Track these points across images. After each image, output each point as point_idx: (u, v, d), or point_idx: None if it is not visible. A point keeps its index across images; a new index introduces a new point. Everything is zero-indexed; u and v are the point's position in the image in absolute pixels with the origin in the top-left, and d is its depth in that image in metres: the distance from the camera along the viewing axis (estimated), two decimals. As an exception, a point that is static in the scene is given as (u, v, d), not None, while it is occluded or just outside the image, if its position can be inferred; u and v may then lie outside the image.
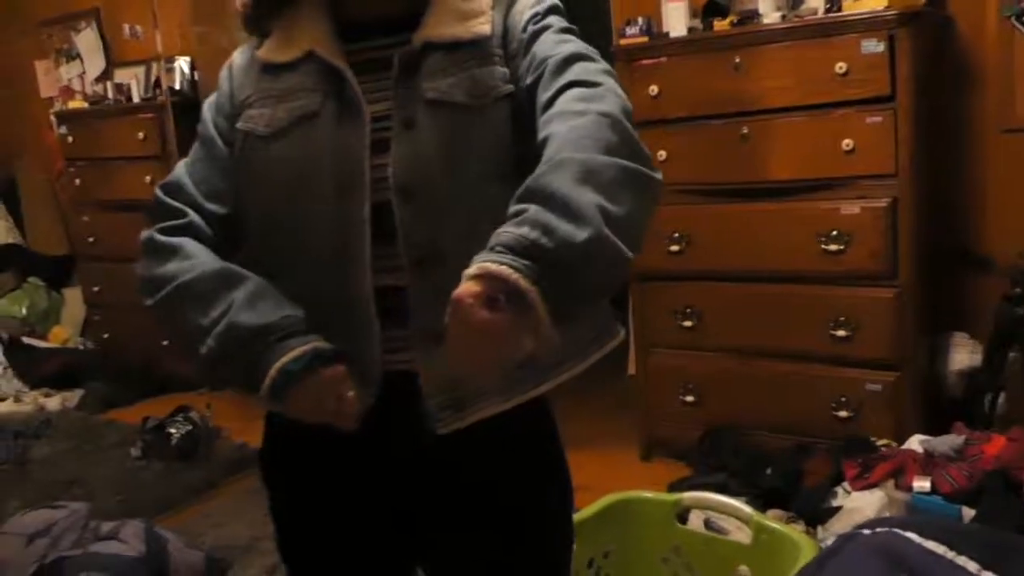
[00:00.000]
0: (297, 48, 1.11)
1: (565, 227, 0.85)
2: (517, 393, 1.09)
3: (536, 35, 1.08)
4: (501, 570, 1.17)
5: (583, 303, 0.91)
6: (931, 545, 1.20)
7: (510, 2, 1.12)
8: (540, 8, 1.11)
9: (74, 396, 4.52)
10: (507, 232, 0.87)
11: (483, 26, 1.09)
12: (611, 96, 0.99)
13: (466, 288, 0.84)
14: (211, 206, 1.14)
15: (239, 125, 1.12)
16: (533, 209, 0.87)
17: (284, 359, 0.99)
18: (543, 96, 1.02)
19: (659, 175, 0.97)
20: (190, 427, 3.64)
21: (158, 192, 1.15)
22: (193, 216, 1.12)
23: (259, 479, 1.23)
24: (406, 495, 1.14)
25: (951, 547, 1.19)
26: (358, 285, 1.05)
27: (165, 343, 4.59)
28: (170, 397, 4.22)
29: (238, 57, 1.19)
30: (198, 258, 1.07)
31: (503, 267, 0.84)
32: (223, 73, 1.19)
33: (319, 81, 1.09)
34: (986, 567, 1.17)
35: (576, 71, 1.02)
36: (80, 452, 3.76)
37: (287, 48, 1.12)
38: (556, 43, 1.06)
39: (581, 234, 0.85)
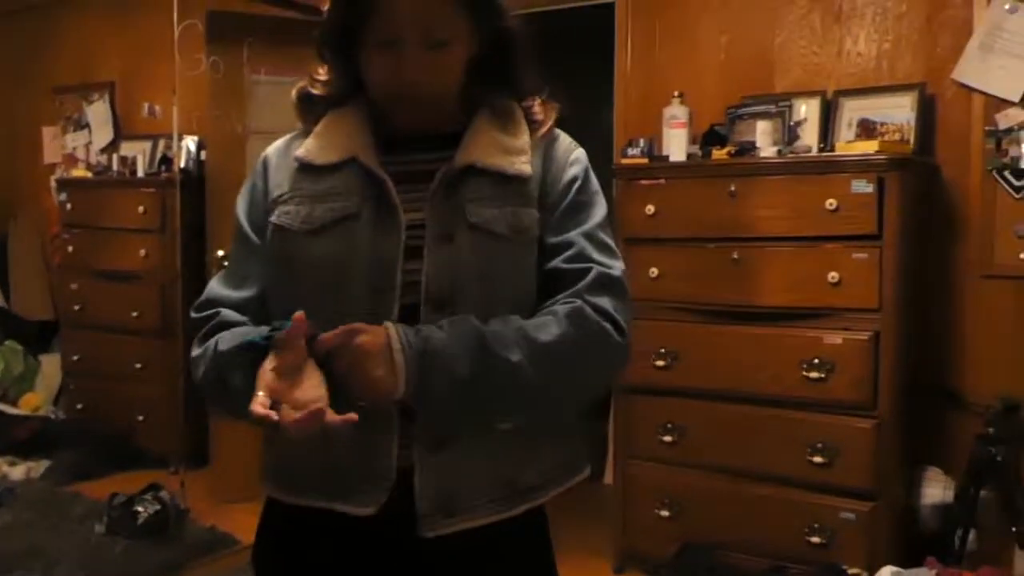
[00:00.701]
0: (339, 152, 1.17)
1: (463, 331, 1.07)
2: (505, 508, 1.15)
3: (574, 208, 1.19)
4: None
5: (450, 388, 1.05)
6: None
7: (547, 149, 1.20)
8: (579, 172, 1.21)
9: (40, 466, 4.43)
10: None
11: (525, 166, 1.17)
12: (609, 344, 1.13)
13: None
14: (240, 293, 1.20)
15: (273, 219, 1.17)
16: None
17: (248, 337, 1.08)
18: (566, 284, 1.15)
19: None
20: (159, 506, 3.58)
21: (192, 314, 1.22)
22: (223, 311, 1.19)
23: (235, 564, 1.26)
24: None
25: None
26: None
27: (140, 417, 4.56)
28: (140, 472, 4.16)
29: (273, 154, 1.24)
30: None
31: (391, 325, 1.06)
32: (257, 168, 1.24)
33: (359, 186, 1.14)
34: None
35: (597, 299, 1.13)
36: (42, 523, 3.67)
37: (328, 151, 1.17)
38: (594, 245, 1.17)
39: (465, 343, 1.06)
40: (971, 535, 2.86)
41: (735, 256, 2.91)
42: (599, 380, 1.19)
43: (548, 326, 1.10)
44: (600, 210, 1.21)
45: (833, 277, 2.75)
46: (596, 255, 1.16)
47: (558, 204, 1.18)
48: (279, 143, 1.25)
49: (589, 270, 1.14)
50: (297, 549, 1.19)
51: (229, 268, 1.23)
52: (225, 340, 1.12)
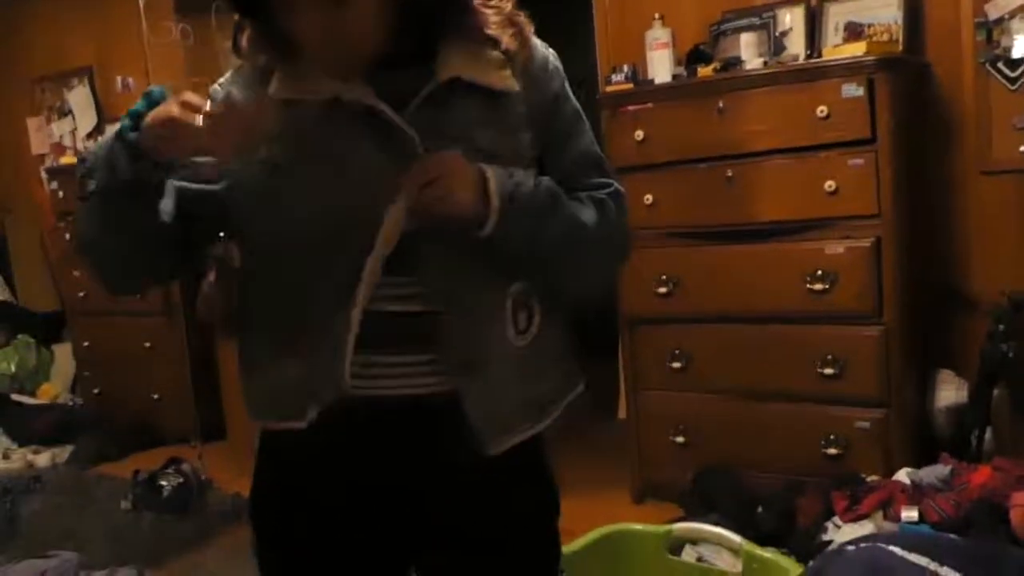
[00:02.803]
0: (317, 89, 1.10)
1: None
2: (538, 420, 1.19)
3: (566, 126, 1.21)
4: None
5: (531, 232, 1.10)
6: (914, 557, 1.22)
7: (524, 64, 1.16)
8: (561, 83, 1.20)
9: (64, 452, 4.49)
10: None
11: (511, 80, 1.14)
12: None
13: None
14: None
15: (262, 157, 1.10)
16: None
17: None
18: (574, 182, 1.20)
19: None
20: (181, 479, 3.62)
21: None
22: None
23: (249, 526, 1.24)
24: (404, 517, 1.16)
25: (933, 559, 1.21)
26: (339, 302, 1.08)
27: (156, 396, 4.60)
28: (161, 450, 4.20)
29: (236, 95, 1.16)
30: None
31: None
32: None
33: (352, 117, 1.09)
34: (968, 577, 1.19)
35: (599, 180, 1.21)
36: (70, 506, 3.73)
37: (303, 87, 1.11)
38: (596, 164, 1.23)
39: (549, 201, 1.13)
40: (987, 434, 2.85)
41: (729, 175, 2.87)
42: (612, 269, 1.32)
43: (582, 207, 1.16)
44: (583, 118, 1.24)
45: (830, 186, 2.71)
46: (604, 177, 1.22)
47: (550, 122, 1.17)
48: (230, 84, 1.18)
49: (608, 185, 1.21)
50: (294, 495, 1.18)
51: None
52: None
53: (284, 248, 1.11)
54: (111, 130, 1.10)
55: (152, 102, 1.05)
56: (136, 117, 1.05)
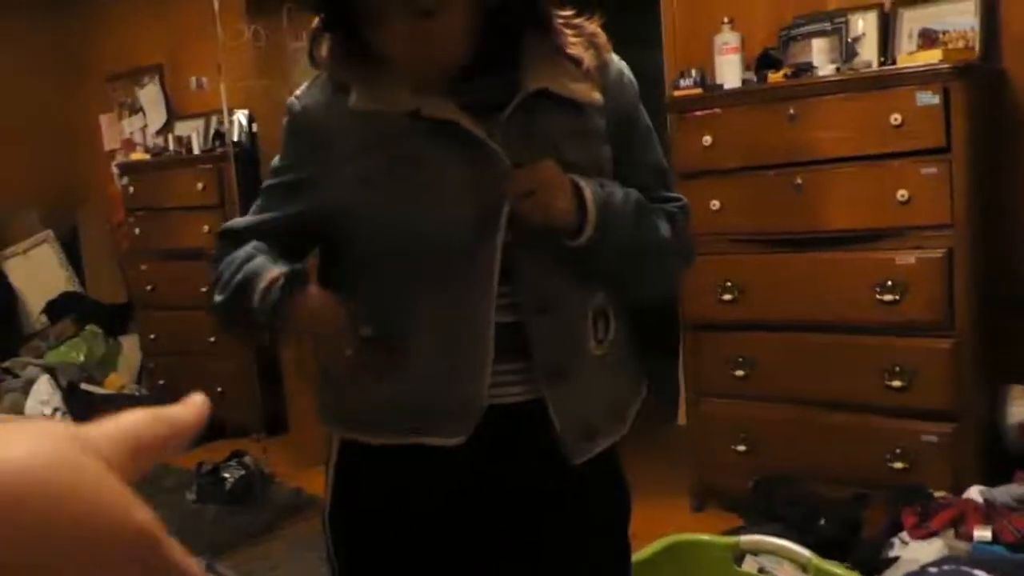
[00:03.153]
0: (397, 101, 1.10)
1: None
2: (620, 427, 1.22)
3: (642, 140, 1.25)
4: None
5: (618, 242, 1.13)
6: (1003, 584, 1.20)
7: (602, 73, 1.17)
8: (635, 95, 1.23)
9: (129, 441, 4.60)
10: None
11: (596, 94, 1.15)
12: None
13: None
14: (257, 217, 1.21)
15: (350, 170, 1.12)
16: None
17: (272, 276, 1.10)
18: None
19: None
20: (243, 472, 3.70)
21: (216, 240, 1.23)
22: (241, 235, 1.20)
23: (320, 524, 1.25)
24: (489, 527, 1.17)
25: (1024, 586, 1.19)
26: (485, 317, 1.11)
27: (219, 389, 4.69)
28: (225, 442, 4.28)
29: (317, 108, 1.16)
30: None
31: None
32: (297, 123, 1.18)
33: (434, 131, 1.09)
34: (1060, 606, 1.17)
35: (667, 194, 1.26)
36: (138, 496, 3.81)
37: (384, 98, 1.11)
38: (665, 178, 1.28)
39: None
40: (1061, 450, 2.79)
41: (798, 181, 2.84)
42: (679, 278, 1.41)
43: (659, 216, 1.19)
44: (653, 132, 1.27)
45: (902, 195, 2.66)
46: (667, 191, 1.25)
47: (625, 135, 1.19)
48: (308, 95, 1.18)
49: (678, 199, 1.25)
50: (383, 497, 1.19)
51: (260, 218, 1.22)
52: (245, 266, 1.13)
53: (379, 261, 1.13)
54: (254, 275, 1.13)
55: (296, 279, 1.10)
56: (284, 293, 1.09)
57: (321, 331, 1.11)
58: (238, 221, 1.24)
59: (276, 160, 1.22)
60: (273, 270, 1.10)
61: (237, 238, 1.20)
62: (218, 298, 1.15)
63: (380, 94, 1.11)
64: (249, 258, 1.14)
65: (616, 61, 1.21)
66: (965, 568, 1.22)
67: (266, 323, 1.10)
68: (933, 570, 1.27)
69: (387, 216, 1.11)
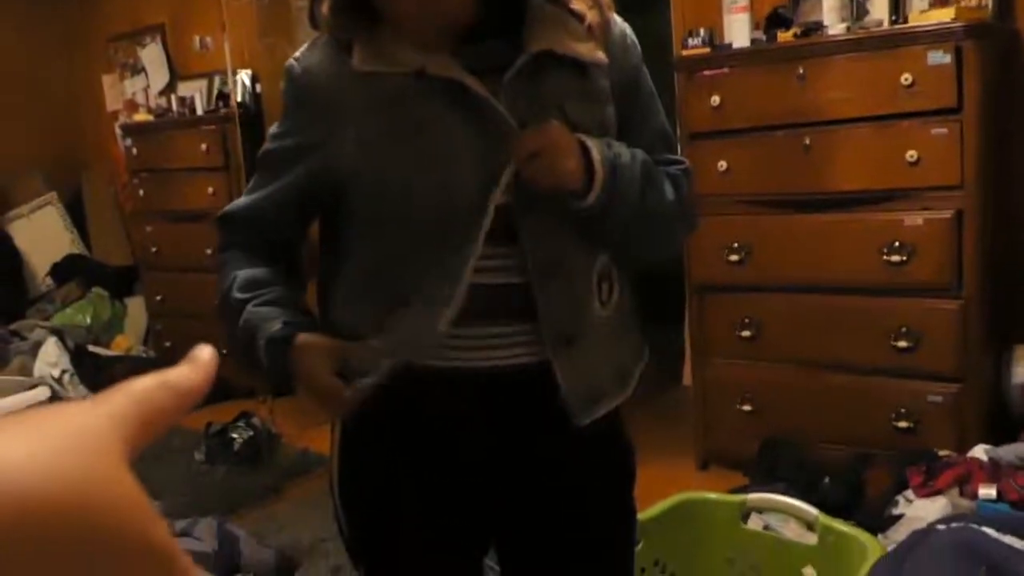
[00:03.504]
0: (402, 61, 1.09)
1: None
2: (624, 389, 1.22)
3: (646, 102, 1.23)
4: (576, 552, 1.23)
5: (627, 203, 1.12)
6: (1008, 540, 1.21)
7: (605, 35, 1.16)
8: (639, 56, 1.22)
9: (138, 402, 4.62)
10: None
11: (599, 53, 1.14)
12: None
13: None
14: (256, 196, 1.20)
15: (352, 133, 1.10)
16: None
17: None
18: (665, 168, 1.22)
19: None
20: (252, 432, 3.72)
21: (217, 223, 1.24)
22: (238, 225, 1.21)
23: (326, 484, 1.26)
24: (491, 486, 1.18)
25: (1032, 542, 1.21)
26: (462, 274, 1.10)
27: (225, 351, 4.70)
28: (232, 403, 4.30)
29: (318, 70, 1.14)
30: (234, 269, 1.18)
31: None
32: (299, 85, 1.15)
33: (439, 91, 1.08)
34: (1068, 563, 1.18)
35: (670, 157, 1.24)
36: (145, 456, 3.60)
37: (388, 59, 1.09)
38: (668, 142, 1.27)
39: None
40: (1066, 411, 2.80)
41: (806, 142, 2.82)
42: (682, 241, 1.37)
43: (666, 180, 1.19)
44: (656, 95, 1.25)
45: (911, 156, 2.65)
46: (670, 154, 1.24)
47: (630, 97, 1.18)
48: (309, 56, 1.16)
49: (681, 162, 1.24)
50: (391, 459, 1.19)
51: (260, 199, 1.20)
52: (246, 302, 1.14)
53: (384, 223, 1.13)
54: (254, 321, 1.13)
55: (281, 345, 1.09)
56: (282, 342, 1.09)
57: (316, 394, 1.09)
58: (237, 205, 1.22)
59: (275, 126, 1.21)
60: (272, 324, 1.10)
61: (237, 225, 1.20)
62: (226, 321, 1.16)
63: (383, 54, 1.10)
64: (251, 287, 1.15)
65: (619, 22, 1.20)
66: (973, 525, 1.23)
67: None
68: (942, 527, 1.28)
69: (391, 179, 1.10)
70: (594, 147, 1.09)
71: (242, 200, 1.22)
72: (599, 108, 1.14)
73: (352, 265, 1.17)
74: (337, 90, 1.12)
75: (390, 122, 1.10)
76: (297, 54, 1.18)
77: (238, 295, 1.14)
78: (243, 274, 1.16)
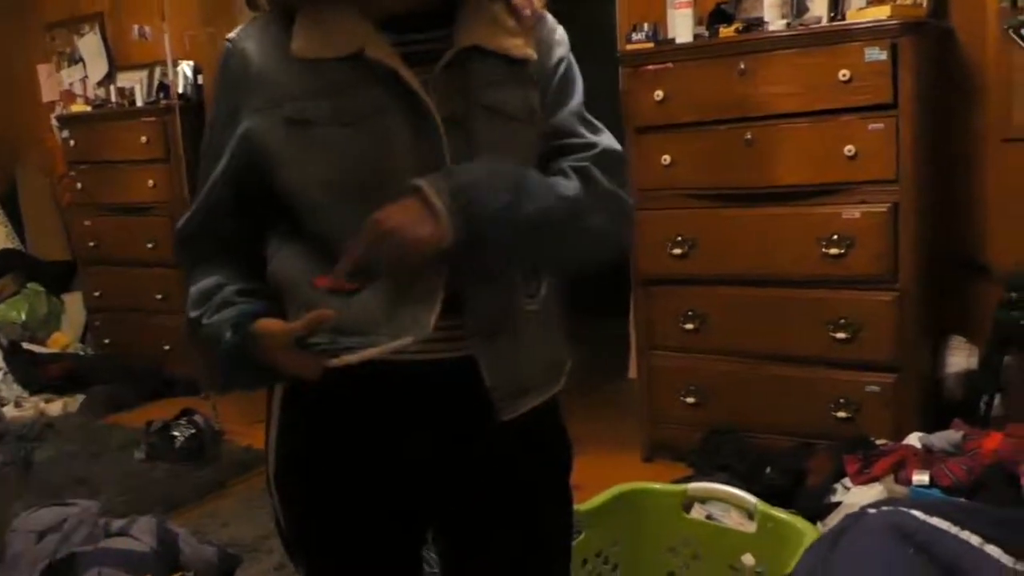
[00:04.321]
0: (341, 44, 1.08)
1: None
2: (554, 383, 1.22)
3: (563, 88, 1.19)
4: (512, 542, 1.22)
5: (497, 229, 1.05)
6: (936, 521, 1.24)
7: (536, 28, 1.17)
8: (565, 51, 1.20)
9: (75, 401, 4.52)
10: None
11: (529, 49, 1.15)
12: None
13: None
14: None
15: (289, 114, 1.09)
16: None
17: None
18: (569, 158, 1.17)
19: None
20: (194, 430, 3.66)
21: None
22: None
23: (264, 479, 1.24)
24: (426, 478, 1.18)
25: (955, 523, 1.24)
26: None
27: (167, 347, 4.63)
28: (174, 400, 4.24)
29: (253, 50, 1.12)
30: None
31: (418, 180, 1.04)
32: (232, 65, 1.13)
33: (372, 76, 1.08)
34: (988, 541, 1.22)
35: (604, 171, 1.16)
36: (84, 455, 3.76)
37: (327, 42, 1.09)
38: (585, 124, 1.20)
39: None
40: (996, 400, 2.88)
41: (748, 136, 2.86)
42: (611, 238, 1.19)
43: (562, 181, 1.12)
44: (581, 86, 1.22)
45: (849, 150, 2.70)
46: (591, 135, 1.19)
47: (549, 85, 1.18)
48: (246, 38, 1.14)
49: (594, 145, 1.17)
50: (318, 454, 1.18)
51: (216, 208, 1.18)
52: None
53: (310, 205, 1.11)
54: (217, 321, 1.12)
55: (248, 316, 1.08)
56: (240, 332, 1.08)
57: (285, 366, 1.07)
58: (184, 220, 1.21)
59: (211, 113, 1.19)
60: (224, 333, 1.10)
61: (189, 243, 1.20)
62: (193, 346, 1.16)
63: (322, 34, 1.09)
64: (201, 301, 1.14)
65: (550, 19, 1.21)
66: (903, 508, 1.26)
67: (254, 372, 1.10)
68: (872, 511, 1.31)
69: (324, 163, 1.09)
70: (425, 186, 1.03)
71: (192, 214, 1.21)
72: (523, 94, 1.14)
73: (280, 256, 1.16)
74: (274, 71, 1.11)
75: (326, 106, 1.08)
76: (233, 33, 1.17)
77: (192, 315, 1.14)
78: (193, 291, 1.16)
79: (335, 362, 1.04)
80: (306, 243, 1.13)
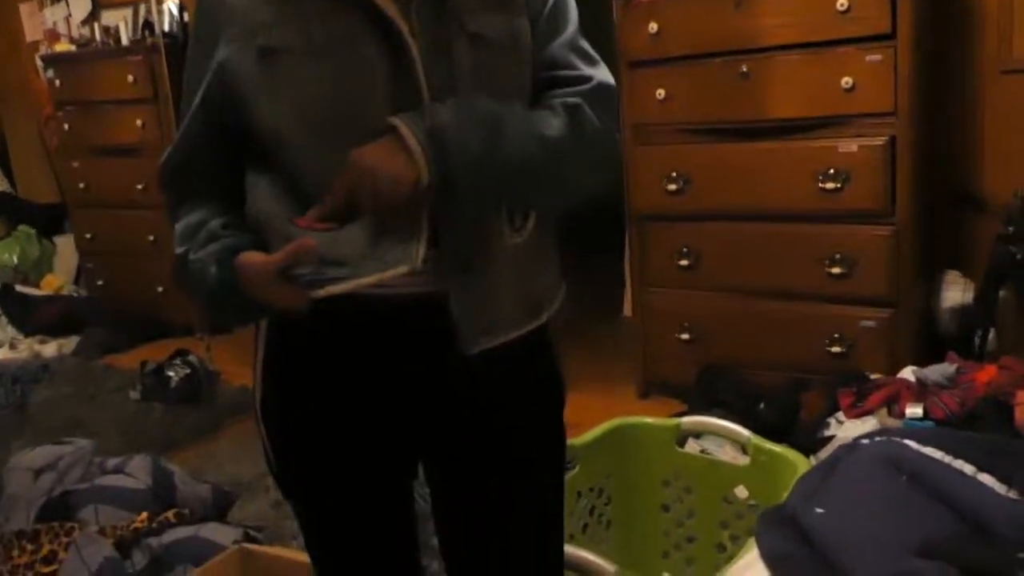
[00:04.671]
0: None
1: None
2: (531, 319, 1.18)
3: (555, 16, 1.15)
4: (502, 475, 1.22)
5: (476, 168, 1.02)
6: (929, 451, 1.24)
7: None
8: None
9: (70, 343, 4.53)
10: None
11: None
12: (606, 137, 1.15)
13: None
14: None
15: (261, 43, 1.07)
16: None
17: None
18: (562, 92, 1.13)
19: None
20: (189, 370, 3.66)
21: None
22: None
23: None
24: (411, 411, 1.17)
25: (948, 452, 1.24)
26: None
27: (161, 289, 4.62)
28: (168, 342, 4.24)
29: None
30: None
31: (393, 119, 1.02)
32: (209, 3, 1.11)
33: (350, 4, 1.05)
34: (981, 470, 1.22)
35: (595, 106, 1.13)
36: (79, 396, 3.78)
37: None
38: (581, 55, 1.17)
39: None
40: (991, 334, 2.88)
41: (744, 69, 2.81)
42: (596, 178, 1.17)
43: (548, 118, 1.08)
44: (576, 14, 1.19)
45: (846, 82, 2.66)
46: (586, 67, 1.16)
47: (540, 13, 1.14)
48: None
49: (588, 79, 1.14)
50: (299, 387, 1.17)
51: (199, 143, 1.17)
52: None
53: (283, 140, 1.08)
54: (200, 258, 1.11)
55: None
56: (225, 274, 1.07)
57: (271, 298, 1.05)
58: (166, 156, 1.20)
59: (190, 45, 1.17)
60: (209, 269, 1.09)
61: (172, 178, 1.19)
62: (181, 283, 1.15)
63: None
64: (186, 238, 1.13)
65: None
66: (896, 438, 1.26)
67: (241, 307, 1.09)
68: (865, 441, 1.31)
69: (296, 96, 1.06)
70: (401, 125, 1.01)
71: (171, 146, 1.20)
72: (508, 20, 1.10)
73: (267, 186, 1.14)
74: (250, 6, 1.08)
75: (296, 36, 1.05)
76: None
77: (178, 250, 1.13)
78: (179, 227, 1.15)
79: (321, 293, 1.03)
80: (282, 178, 1.11)
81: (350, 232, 1.05)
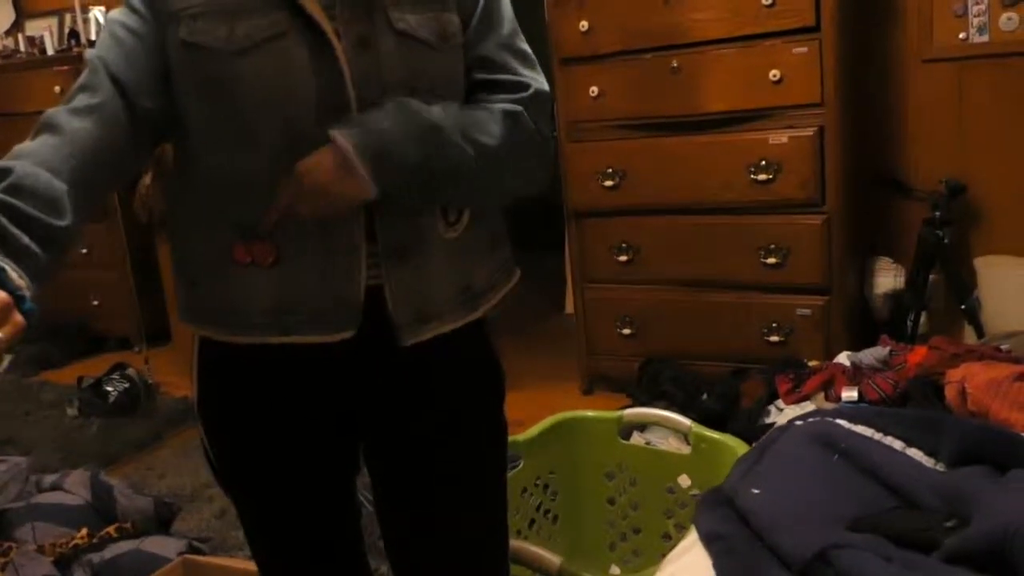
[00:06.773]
0: None
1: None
2: (468, 311, 1.18)
3: (488, 15, 1.15)
4: (443, 464, 1.22)
5: (408, 171, 1.04)
6: (860, 429, 1.28)
7: None
8: None
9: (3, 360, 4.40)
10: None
11: None
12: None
13: None
14: (142, 100, 1.07)
15: (184, 36, 1.05)
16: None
17: None
18: (500, 98, 1.14)
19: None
20: (127, 384, 3.59)
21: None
22: (114, 99, 1.06)
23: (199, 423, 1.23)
24: (349, 402, 1.17)
25: (877, 429, 1.27)
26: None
27: (96, 303, 4.51)
28: (104, 356, 4.15)
29: None
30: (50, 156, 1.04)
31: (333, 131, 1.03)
32: None
33: (277, 4, 1.04)
34: (910, 445, 1.26)
35: (534, 112, 1.15)
36: (14, 413, 3.68)
37: None
38: (518, 57, 1.17)
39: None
40: (922, 318, 2.96)
41: (674, 64, 2.85)
42: (530, 181, 1.19)
43: (488, 124, 1.09)
44: (510, 13, 1.19)
45: (774, 75, 2.71)
46: (525, 71, 1.17)
47: (472, 11, 1.14)
48: None
49: (527, 86, 1.15)
50: (239, 384, 1.17)
51: (120, 61, 1.07)
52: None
53: (222, 139, 1.07)
54: None
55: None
56: None
57: None
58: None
59: (120, 13, 1.11)
60: None
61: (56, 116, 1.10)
62: None
63: None
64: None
65: None
66: (828, 418, 1.30)
67: None
68: (799, 422, 1.34)
69: (219, 96, 1.05)
70: (348, 148, 1.01)
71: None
72: (436, 17, 1.10)
73: (194, 190, 1.12)
74: None
75: (220, 31, 1.04)
76: None
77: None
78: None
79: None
80: (200, 176, 1.09)
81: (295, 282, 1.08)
